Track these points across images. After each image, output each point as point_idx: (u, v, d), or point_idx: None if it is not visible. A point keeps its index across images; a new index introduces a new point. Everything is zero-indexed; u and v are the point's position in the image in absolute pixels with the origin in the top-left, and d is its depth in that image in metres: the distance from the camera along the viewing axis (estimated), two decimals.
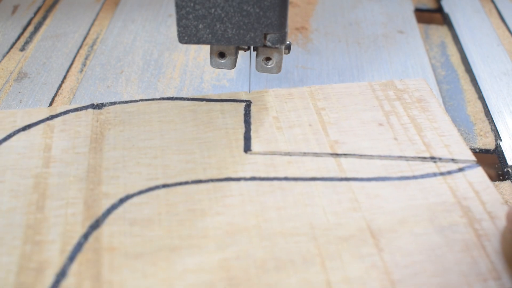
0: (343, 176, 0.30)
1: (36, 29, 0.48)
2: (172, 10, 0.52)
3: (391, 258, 0.26)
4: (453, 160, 0.31)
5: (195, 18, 0.30)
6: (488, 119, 0.40)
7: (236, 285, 0.24)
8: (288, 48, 0.34)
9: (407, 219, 0.28)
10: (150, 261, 0.25)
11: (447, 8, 0.54)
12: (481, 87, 0.42)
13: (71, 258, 0.25)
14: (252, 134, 0.33)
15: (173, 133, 0.32)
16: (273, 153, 0.32)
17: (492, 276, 0.25)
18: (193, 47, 0.46)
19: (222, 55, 0.33)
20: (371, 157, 0.31)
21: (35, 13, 0.50)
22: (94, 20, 0.50)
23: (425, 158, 0.31)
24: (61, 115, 0.34)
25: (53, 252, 0.25)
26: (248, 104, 0.35)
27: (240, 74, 0.43)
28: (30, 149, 0.31)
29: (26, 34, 0.47)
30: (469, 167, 0.31)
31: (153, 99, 0.35)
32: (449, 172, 0.30)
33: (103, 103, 0.35)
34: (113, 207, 0.28)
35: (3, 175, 0.29)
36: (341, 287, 0.24)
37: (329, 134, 0.33)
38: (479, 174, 0.30)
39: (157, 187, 0.29)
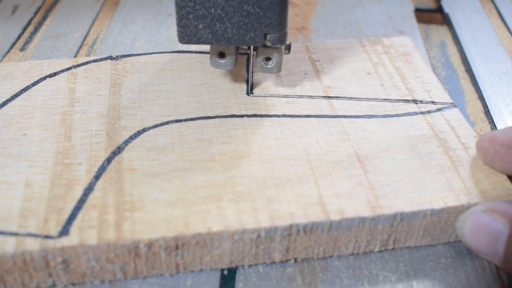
0: (334, 114, 0.34)
1: (36, 29, 0.48)
2: (172, 9, 0.52)
3: (375, 178, 0.29)
4: (432, 102, 0.35)
5: (195, 18, 0.30)
6: (488, 119, 0.40)
7: (240, 197, 0.27)
8: (288, 48, 0.34)
9: (390, 148, 0.31)
10: (165, 179, 0.28)
11: (447, 8, 0.54)
12: (481, 87, 0.42)
13: (97, 176, 0.29)
14: (254, 80, 0.36)
15: (183, 80, 0.36)
16: (272, 96, 0.35)
17: (464, 193, 0.28)
18: (193, 47, 0.46)
19: (222, 55, 0.33)
20: (359, 99, 0.35)
21: (35, 13, 0.50)
22: (94, 20, 0.50)
23: (407, 100, 0.35)
24: (82, 65, 0.37)
25: (80, 172, 0.29)
26: (248, 57, 0.37)
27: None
28: (57, 92, 0.35)
29: (26, 34, 0.47)
30: (446, 107, 0.35)
31: (165, 52, 0.39)
32: (429, 112, 0.34)
33: (120, 55, 0.38)
34: (132, 137, 0.31)
35: (34, 113, 0.33)
36: (331, 200, 0.28)
37: (322, 81, 0.37)
38: (455, 113, 0.34)
39: (170, 122, 0.32)
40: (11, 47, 0.45)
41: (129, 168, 0.29)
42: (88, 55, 0.45)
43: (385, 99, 0.35)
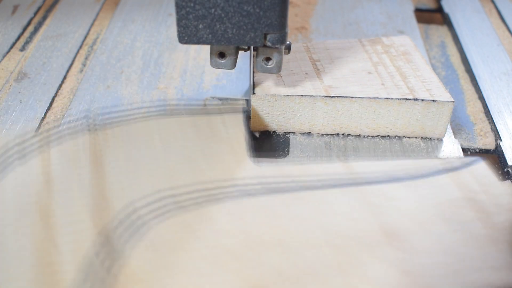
0: (354, 179, 0.31)
1: (36, 29, 0.48)
2: (172, 9, 0.52)
3: (413, 259, 0.25)
4: (433, 101, 0.35)
5: (195, 18, 0.30)
6: (488, 119, 0.40)
7: None
8: (288, 48, 0.34)
9: (421, 219, 0.28)
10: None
11: (447, 8, 0.54)
12: (481, 87, 0.42)
13: None
14: (256, 80, 0.36)
15: (177, 149, 0.32)
16: (274, 96, 0.35)
17: None
18: (193, 47, 0.46)
19: (222, 55, 0.33)
20: (361, 99, 0.35)
21: (35, 13, 0.50)
22: (94, 20, 0.50)
23: (408, 99, 0.35)
24: (56, 140, 0.32)
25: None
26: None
27: (240, 74, 0.43)
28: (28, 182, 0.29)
29: (26, 34, 0.47)
30: (474, 161, 0.32)
31: (150, 114, 0.35)
32: (456, 169, 0.32)
33: (98, 115, 0.34)
34: (128, 231, 0.27)
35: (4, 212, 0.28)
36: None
37: (323, 81, 0.36)
38: (482, 168, 0.32)
39: (168, 203, 0.28)
40: (11, 47, 0.45)
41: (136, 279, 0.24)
42: (88, 55, 0.45)
43: (387, 98, 0.35)
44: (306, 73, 0.37)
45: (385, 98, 0.35)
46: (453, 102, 0.35)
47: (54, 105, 0.39)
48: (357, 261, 0.25)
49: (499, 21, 0.52)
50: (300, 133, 0.37)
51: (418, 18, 0.53)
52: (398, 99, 0.35)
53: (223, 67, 0.34)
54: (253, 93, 0.35)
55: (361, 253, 0.25)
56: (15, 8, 0.51)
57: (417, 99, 0.35)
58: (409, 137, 0.37)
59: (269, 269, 0.25)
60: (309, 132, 0.37)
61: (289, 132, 0.37)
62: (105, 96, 0.40)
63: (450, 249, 0.25)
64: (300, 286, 0.24)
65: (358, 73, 0.37)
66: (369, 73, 0.37)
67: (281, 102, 0.35)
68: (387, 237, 0.26)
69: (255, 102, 0.35)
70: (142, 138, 0.33)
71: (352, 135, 0.37)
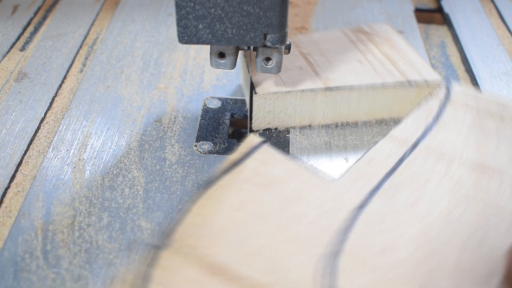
0: None
1: (36, 29, 0.48)
2: (172, 9, 0.52)
3: None
4: (425, 81, 0.36)
5: (195, 18, 0.30)
6: None
7: None
8: (288, 48, 0.34)
9: None
10: None
11: (447, 8, 0.54)
12: (481, 87, 0.42)
13: None
14: (254, 80, 0.36)
15: None
16: (276, 93, 0.35)
17: None
18: (193, 47, 0.46)
19: (222, 55, 0.33)
20: (359, 88, 0.36)
21: (35, 13, 0.50)
22: (94, 20, 0.50)
23: (403, 84, 0.36)
24: None
25: None
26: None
27: (240, 74, 0.43)
28: None
29: (26, 34, 0.47)
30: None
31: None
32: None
33: None
34: None
35: None
36: None
37: (319, 73, 0.37)
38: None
39: None
40: (11, 47, 0.45)
41: None
42: (88, 55, 0.45)
43: (383, 83, 0.36)
44: (300, 68, 0.38)
45: (381, 85, 0.36)
46: (443, 80, 0.36)
47: (54, 105, 0.39)
48: None
49: (499, 21, 0.52)
50: (300, 127, 0.37)
51: (418, 18, 0.53)
52: (393, 84, 0.36)
53: (223, 67, 0.34)
54: (255, 93, 0.35)
55: None
56: (15, 8, 0.51)
57: (411, 82, 0.36)
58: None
59: None
60: (310, 125, 0.37)
61: (290, 127, 0.37)
62: (105, 96, 0.40)
63: None
64: None
65: (349, 62, 0.38)
66: (360, 61, 0.38)
67: (282, 99, 0.35)
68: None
69: (257, 102, 0.35)
70: None
71: (351, 125, 0.38)
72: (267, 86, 0.36)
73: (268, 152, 0.29)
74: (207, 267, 0.24)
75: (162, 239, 0.24)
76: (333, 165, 0.34)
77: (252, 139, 0.30)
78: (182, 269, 0.23)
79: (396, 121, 0.38)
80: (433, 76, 0.37)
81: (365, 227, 0.26)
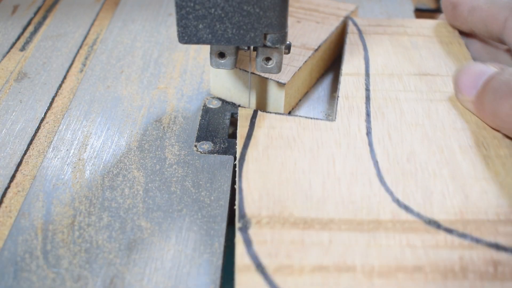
0: None
1: (36, 29, 0.48)
2: (172, 9, 0.52)
3: None
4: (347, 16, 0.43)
5: (195, 18, 0.30)
6: None
7: None
8: (288, 48, 0.34)
9: None
10: None
11: None
12: None
13: None
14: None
15: None
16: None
17: None
18: (193, 47, 0.46)
19: (222, 55, 0.33)
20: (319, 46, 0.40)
21: (35, 13, 0.50)
22: (94, 20, 0.50)
23: (340, 23, 0.42)
24: None
25: None
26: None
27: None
28: None
29: (26, 34, 0.47)
30: None
31: None
32: None
33: None
34: None
35: None
36: None
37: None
38: None
39: None
40: (11, 47, 0.45)
41: None
42: (88, 55, 0.45)
43: (331, 33, 0.41)
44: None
45: (330, 35, 0.41)
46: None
47: (54, 105, 0.39)
48: None
49: None
50: None
51: (418, 18, 0.53)
52: (336, 28, 0.42)
53: (223, 67, 0.34)
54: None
55: None
56: (15, 8, 0.51)
57: (342, 20, 0.42)
58: None
59: None
60: None
61: None
62: (105, 96, 0.40)
63: None
64: None
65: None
66: (298, 21, 0.42)
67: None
68: None
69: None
70: None
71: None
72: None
73: (266, 116, 0.33)
74: (295, 226, 0.26)
75: (241, 222, 0.27)
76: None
77: (244, 112, 0.33)
78: (275, 236, 0.26)
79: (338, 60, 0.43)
80: (348, 8, 0.43)
81: (382, 147, 0.31)
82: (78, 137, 0.36)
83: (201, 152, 0.35)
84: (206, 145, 0.36)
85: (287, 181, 0.29)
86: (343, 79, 0.36)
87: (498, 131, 0.32)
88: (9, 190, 0.33)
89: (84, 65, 0.44)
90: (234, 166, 0.34)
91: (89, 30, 0.48)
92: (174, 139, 0.36)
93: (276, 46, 0.31)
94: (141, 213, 0.31)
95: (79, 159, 0.34)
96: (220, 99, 0.40)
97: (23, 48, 0.45)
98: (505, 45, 0.38)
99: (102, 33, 0.48)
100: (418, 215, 0.27)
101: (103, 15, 0.51)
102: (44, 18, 0.50)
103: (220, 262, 0.28)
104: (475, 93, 0.31)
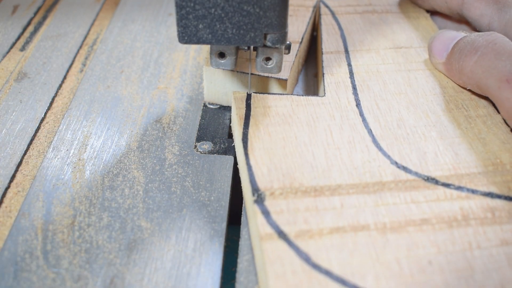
0: None
1: (36, 29, 0.48)
2: (172, 9, 0.52)
3: None
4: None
5: (195, 18, 0.30)
6: None
7: None
8: (288, 48, 0.34)
9: None
10: None
11: None
12: None
13: None
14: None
15: None
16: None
17: None
18: (193, 47, 0.46)
19: (222, 55, 0.33)
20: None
21: (35, 13, 0.50)
22: (94, 20, 0.50)
23: (314, 9, 0.45)
24: None
25: None
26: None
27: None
28: None
29: (26, 34, 0.47)
30: None
31: None
32: None
33: None
34: None
35: None
36: None
37: None
38: None
39: None
40: (11, 47, 0.45)
41: None
42: (88, 55, 0.45)
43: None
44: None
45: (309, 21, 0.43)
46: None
47: (54, 105, 0.39)
48: None
49: None
50: None
51: None
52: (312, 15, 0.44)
53: (223, 67, 0.34)
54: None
55: None
56: (15, 8, 0.51)
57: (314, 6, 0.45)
58: None
59: None
60: None
61: None
62: (105, 96, 0.40)
63: None
64: None
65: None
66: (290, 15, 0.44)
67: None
68: None
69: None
70: None
71: None
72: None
73: (260, 97, 0.34)
74: (307, 194, 0.28)
75: (255, 196, 0.28)
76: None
77: (239, 95, 0.34)
78: (290, 206, 0.28)
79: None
80: None
81: (372, 116, 0.33)
82: (78, 137, 0.36)
83: (201, 152, 0.35)
84: (206, 145, 0.36)
85: (292, 154, 0.30)
86: (325, 57, 0.38)
87: (473, 92, 0.35)
88: (9, 190, 0.33)
89: (84, 65, 0.44)
90: (234, 166, 0.34)
91: (89, 30, 0.48)
92: (174, 139, 0.36)
93: (276, 46, 0.31)
94: (141, 213, 0.31)
95: (79, 159, 0.34)
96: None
97: (23, 48, 0.45)
98: (466, 20, 0.41)
99: (102, 33, 0.48)
100: (416, 174, 0.30)
101: (103, 15, 0.51)
102: (44, 18, 0.50)
103: (220, 262, 0.28)
104: (446, 55, 0.35)
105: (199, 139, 0.36)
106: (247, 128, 0.32)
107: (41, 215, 0.31)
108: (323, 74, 0.37)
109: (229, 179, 0.33)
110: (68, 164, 0.34)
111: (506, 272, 0.25)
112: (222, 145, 0.36)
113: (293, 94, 0.35)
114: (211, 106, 0.39)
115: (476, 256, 0.26)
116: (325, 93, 0.35)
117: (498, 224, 0.27)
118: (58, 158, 0.34)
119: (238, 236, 0.30)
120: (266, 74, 0.36)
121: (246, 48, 0.34)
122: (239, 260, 0.28)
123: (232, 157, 0.35)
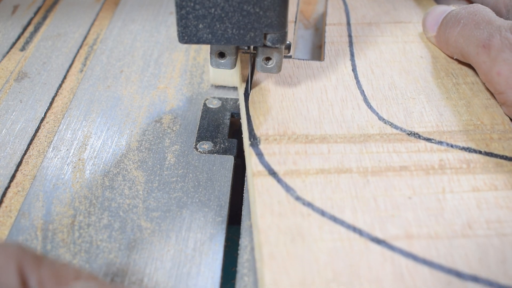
0: None
1: (36, 29, 0.48)
2: (172, 8, 0.52)
3: None
4: None
5: (195, 18, 0.30)
6: None
7: None
8: (288, 48, 0.34)
9: None
10: None
11: None
12: None
13: None
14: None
15: None
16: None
17: None
18: (193, 47, 0.46)
19: (222, 55, 0.33)
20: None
21: (35, 13, 0.50)
22: (94, 20, 0.50)
23: None
24: None
25: None
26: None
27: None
28: None
29: (26, 34, 0.47)
30: None
31: None
32: None
33: None
34: None
35: None
36: None
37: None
38: None
39: None
40: (11, 47, 0.45)
41: None
42: (88, 55, 0.45)
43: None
44: None
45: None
46: None
47: (54, 105, 0.39)
48: None
49: None
50: None
51: None
52: None
53: (223, 67, 0.34)
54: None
55: None
56: (15, 8, 0.51)
57: None
58: None
59: None
60: None
61: None
62: (105, 96, 0.40)
63: None
64: None
65: None
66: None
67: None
68: None
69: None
70: None
71: None
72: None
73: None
74: (298, 141, 0.31)
75: (251, 140, 0.31)
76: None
77: (245, 57, 0.37)
78: (282, 149, 0.31)
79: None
80: None
81: (366, 79, 0.37)
82: (78, 137, 0.36)
83: (201, 152, 0.35)
84: (206, 145, 0.36)
85: (288, 108, 0.34)
86: (328, 29, 0.42)
87: (462, 62, 0.38)
88: (9, 190, 0.33)
89: (84, 65, 0.44)
90: (234, 166, 0.34)
91: (89, 30, 0.48)
92: (174, 139, 0.36)
93: (276, 46, 0.31)
94: (141, 213, 0.31)
95: (79, 159, 0.34)
96: (220, 99, 0.40)
97: (23, 48, 0.45)
98: None
99: (102, 33, 0.48)
100: (401, 129, 0.33)
101: (103, 15, 0.51)
102: (44, 18, 0.50)
103: (220, 262, 0.28)
104: (436, 29, 0.38)
105: (199, 139, 0.36)
106: (250, 84, 0.36)
107: (41, 215, 0.31)
108: (324, 42, 0.40)
109: (229, 179, 0.33)
110: (68, 164, 0.34)
111: (474, 214, 0.28)
112: (222, 145, 0.36)
113: (295, 58, 0.38)
114: (211, 106, 0.39)
115: (448, 198, 0.29)
116: (324, 59, 0.38)
117: (471, 174, 0.30)
118: (58, 158, 0.34)
119: (238, 236, 0.30)
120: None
121: (246, 48, 0.34)
122: (239, 260, 0.28)
123: (232, 157, 0.35)
